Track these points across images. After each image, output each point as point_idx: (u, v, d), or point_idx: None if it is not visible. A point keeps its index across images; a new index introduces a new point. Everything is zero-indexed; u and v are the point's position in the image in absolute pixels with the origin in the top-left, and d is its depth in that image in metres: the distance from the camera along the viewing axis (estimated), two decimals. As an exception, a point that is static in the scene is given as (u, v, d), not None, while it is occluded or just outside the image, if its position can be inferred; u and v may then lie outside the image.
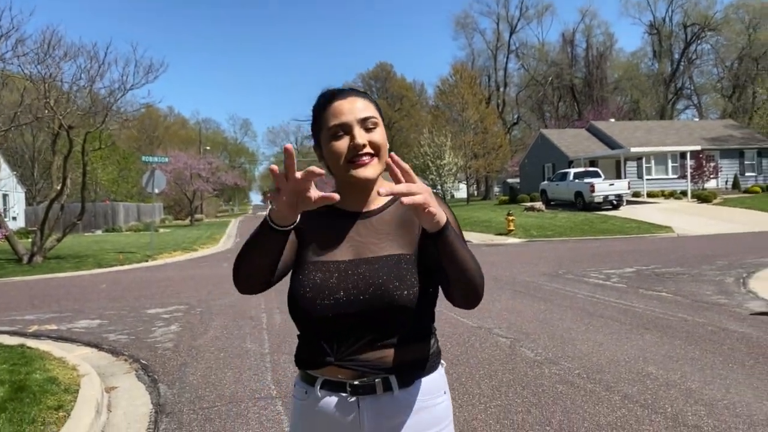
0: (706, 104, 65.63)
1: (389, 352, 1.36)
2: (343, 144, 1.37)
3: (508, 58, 63.50)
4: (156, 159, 21.38)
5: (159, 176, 19.16)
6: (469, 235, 22.14)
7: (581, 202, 27.64)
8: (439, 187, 37.51)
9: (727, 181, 34.56)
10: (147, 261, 17.27)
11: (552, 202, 30.61)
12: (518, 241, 19.86)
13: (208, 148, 65.72)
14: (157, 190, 19.50)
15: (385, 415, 1.36)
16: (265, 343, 6.49)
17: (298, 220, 1.29)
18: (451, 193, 39.82)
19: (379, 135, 1.39)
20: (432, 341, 1.45)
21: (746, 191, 32.78)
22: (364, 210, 1.45)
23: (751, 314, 7.07)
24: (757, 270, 10.69)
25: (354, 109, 1.39)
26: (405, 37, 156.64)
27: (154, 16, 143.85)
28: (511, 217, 21.87)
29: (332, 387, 1.38)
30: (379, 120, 1.42)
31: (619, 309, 7.55)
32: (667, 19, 60.63)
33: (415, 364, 1.39)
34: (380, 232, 1.42)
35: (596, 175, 29.20)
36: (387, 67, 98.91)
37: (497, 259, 14.36)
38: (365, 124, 1.38)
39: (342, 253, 1.40)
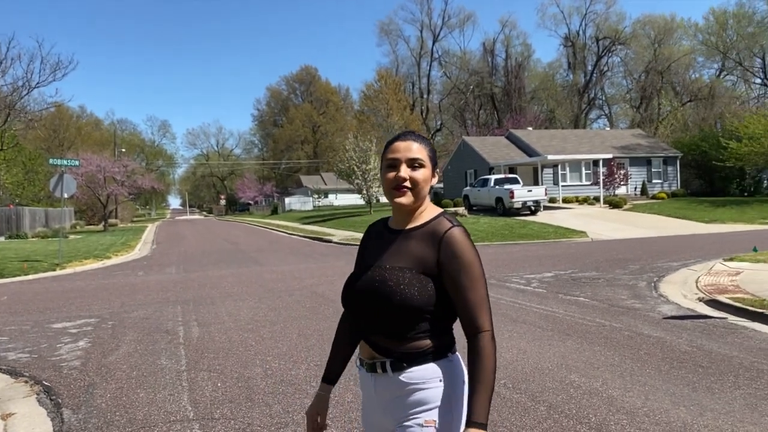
0: (616, 114, 69.21)
1: (390, 342, 1.78)
2: (391, 175, 1.82)
3: (431, 65, 64.67)
4: (65, 162, 20.14)
5: (68, 180, 18.06)
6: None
7: (501, 208, 28.37)
8: (365, 191, 37.52)
9: (636, 188, 36.42)
10: (55, 270, 16.21)
11: (474, 207, 31.24)
12: (442, 247, 20.04)
13: (123, 150, 62.90)
14: (66, 195, 18.36)
15: (387, 389, 1.80)
16: (182, 359, 6.15)
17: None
18: (376, 197, 39.87)
19: (421, 174, 1.82)
20: (428, 342, 1.76)
21: (653, 197, 34.69)
22: (405, 228, 1.86)
23: (663, 318, 7.37)
24: (666, 274, 11.22)
25: (407, 149, 1.83)
26: (330, 42, 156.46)
27: (63, 10, 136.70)
28: (435, 223, 22.05)
29: (361, 363, 1.89)
30: (427, 162, 1.84)
31: (540, 315, 7.69)
32: (581, 33, 63.54)
33: (408, 355, 1.76)
34: (402, 247, 1.83)
35: (515, 181, 30.05)
36: (312, 70, 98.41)
37: (422, 265, 14.39)
38: (412, 163, 1.82)
39: (373, 259, 1.88)
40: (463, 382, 1.79)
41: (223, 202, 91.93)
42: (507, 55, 65.74)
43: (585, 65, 63.76)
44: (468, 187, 33.53)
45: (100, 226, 43.70)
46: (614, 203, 30.47)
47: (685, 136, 44.92)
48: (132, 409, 4.61)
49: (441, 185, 46.04)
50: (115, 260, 19.44)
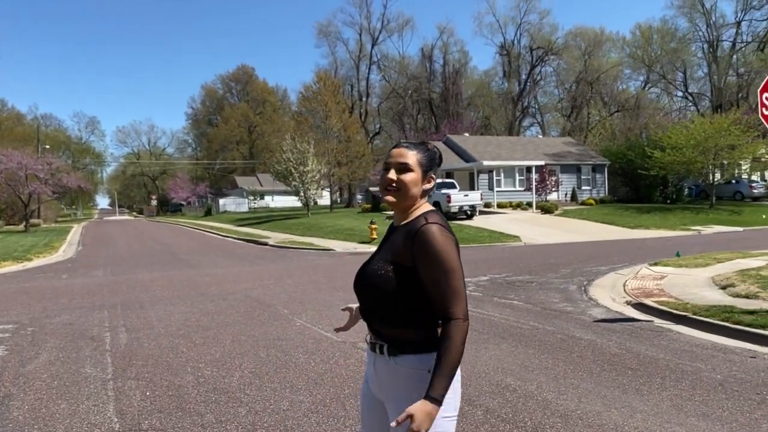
0: (548, 122, 71.34)
1: (380, 326, 2.06)
2: (384, 176, 2.09)
3: (370, 68, 64.62)
4: (-18, 157, 18.99)
5: (-15, 177, 17.04)
6: (332, 243, 22.08)
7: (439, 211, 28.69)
8: (302, 193, 37.14)
9: (566, 194, 37.63)
10: (-32, 273, 15.23)
11: (411, 211, 31.42)
12: (379, 250, 20.07)
13: (47, 146, 59.95)
14: (-18, 193, 17.32)
15: (383, 370, 2.05)
16: (108, 367, 5.86)
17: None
18: (314, 200, 39.55)
19: (407, 177, 2.05)
20: (416, 332, 1.98)
21: (583, 203, 35.92)
22: (400, 225, 2.10)
23: (594, 321, 7.59)
24: (595, 278, 11.60)
25: (398, 155, 2.09)
26: (268, 42, 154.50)
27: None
28: (374, 226, 22.11)
29: (366, 341, 2.16)
30: (415, 167, 2.07)
31: (477, 318, 7.77)
32: (516, 42, 65.09)
33: (399, 342, 2.00)
34: (389, 242, 2.10)
35: (452, 186, 30.49)
36: (249, 70, 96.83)
37: (359, 269, 14.36)
38: (400, 167, 2.07)
39: (375, 252, 2.16)
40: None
41: (154, 202, 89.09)
42: (445, 62, 66.64)
43: (519, 74, 65.37)
44: (406, 191, 33.73)
45: (21, 227, 41.44)
46: (546, 209, 31.36)
47: (612, 144, 46.77)
48: (52, 422, 4.34)
49: (377, 188, 46.21)
50: (37, 262, 18.48)
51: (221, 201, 70.58)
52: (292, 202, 51.43)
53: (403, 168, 2.06)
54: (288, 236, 26.48)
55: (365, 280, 2.06)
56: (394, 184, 2.06)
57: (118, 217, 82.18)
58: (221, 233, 31.62)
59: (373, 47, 64.33)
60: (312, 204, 38.65)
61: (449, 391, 1.90)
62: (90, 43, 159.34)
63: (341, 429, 4.07)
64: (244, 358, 6.06)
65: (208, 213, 63.67)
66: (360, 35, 63.49)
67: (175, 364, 5.90)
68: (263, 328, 7.48)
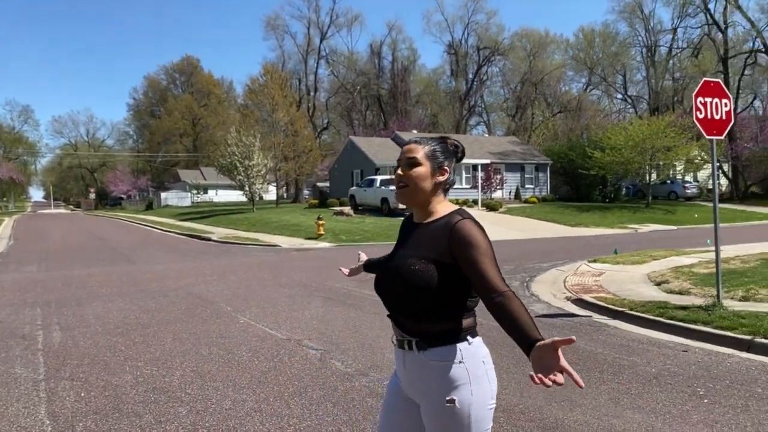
0: (494, 121, 72.50)
1: (409, 322, 2.04)
2: (396, 173, 2.13)
3: (318, 63, 64.17)
4: None
5: None
6: (278, 239, 21.82)
7: (387, 208, 28.80)
8: (247, 188, 36.55)
9: (510, 192, 38.37)
10: None
11: (360, 207, 31.44)
12: (328, 246, 20.00)
13: (-24, 135, 56.95)
14: None
15: (414, 366, 2.05)
16: (40, 367, 5.61)
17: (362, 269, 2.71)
18: (260, 195, 38.98)
19: (415, 172, 2.08)
20: (446, 324, 2.00)
21: (526, 201, 36.72)
22: (423, 221, 2.12)
23: (536, 317, 7.76)
24: (537, 274, 11.87)
25: (406, 151, 2.12)
26: (214, 33, 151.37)
27: None
28: (321, 222, 21.97)
29: (393, 340, 2.14)
30: (423, 160, 2.09)
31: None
32: (463, 41, 65.80)
33: (428, 335, 2.00)
34: (416, 239, 2.09)
35: (400, 182, 30.58)
36: (194, 61, 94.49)
37: (307, 265, 14.26)
38: (408, 162, 2.10)
39: (398, 248, 2.16)
40: (483, 362, 2.03)
41: (92, 195, 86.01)
42: (393, 59, 66.80)
43: (467, 73, 66.15)
44: (354, 187, 33.70)
45: (-53, 219, 39.26)
46: (491, 206, 31.90)
47: (555, 144, 47.92)
48: (-23, 426, 4.11)
49: (327, 184, 45.98)
50: (-36, 257, 17.53)
51: (163, 195, 68.74)
52: (236, 196, 50.48)
53: (412, 163, 2.09)
54: (232, 231, 26.03)
55: (395, 279, 2.04)
56: (402, 181, 2.10)
57: (53, 211, 79.03)
58: (163, 228, 30.79)
59: (321, 42, 63.92)
60: (257, 199, 38.11)
61: (485, 380, 2.00)
62: (24, 25, 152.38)
63: (285, 428, 4.02)
64: (186, 356, 5.91)
65: (149, 207, 61.90)
66: (308, 29, 62.97)
67: (112, 363, 5.70)
68: (205, 326, 7.32)
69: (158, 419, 4.21)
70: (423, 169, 2.07)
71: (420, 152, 2.10)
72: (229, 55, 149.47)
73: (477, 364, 2.00)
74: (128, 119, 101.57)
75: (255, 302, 8.99)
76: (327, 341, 6.37)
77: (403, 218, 2.22)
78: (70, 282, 11.66)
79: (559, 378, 1.69)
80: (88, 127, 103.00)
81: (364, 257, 2.71)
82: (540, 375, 1.70)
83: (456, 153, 2.20)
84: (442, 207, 2.11)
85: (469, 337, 2.02)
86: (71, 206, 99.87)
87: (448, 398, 1.96)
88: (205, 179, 73.06)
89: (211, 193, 71.42)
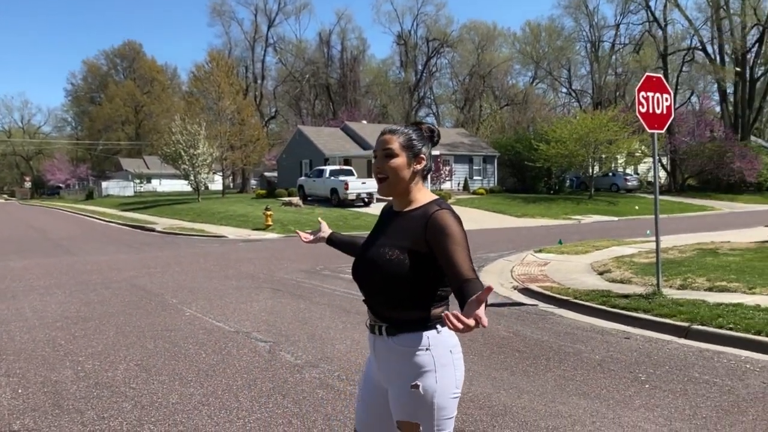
0: (443, 113, 73.13)
1: (383, 308, 2.09)
2: (375, 167, 2.17)
3: (265, 51, 63.25)
4: None
5: None
6: (224, 230, 21.44)
7: (336, 199, 28.69)
8: (192, 177, 35.72)
9: (459, 184, 38.82)
10: None
11: (309, 198, 31.22)
12: (276, 237, 19.77)
13: None
14: None
15: (382, 351, 2.11)
16: (-27, 364, 5.33)
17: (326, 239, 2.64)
18: (205, 184, 38.16)
19: (393, 163, 2.11)
20: (416, 312, 2.03)
21: (474, 193, 37.23)
22: (403, 210, 2.16)
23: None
24: (485, 264, 12.05)
25: (381, 143, 2.15)
26: (156, 18, 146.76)
27: None
28: (269, 212, 21.69)
29: (367, 324, 2.20)
30: (398, 151, 2.11)
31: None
32: (413, 32, 65.99)
33: (399, 322, 2.05)
34: (393, 227, 2.13)
35: (350, 173, 30.52)
36: (136, 46, 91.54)
37: (255, 256, 14.07)
38: (385, 154, 2.12)
39: (375, 236, 2.20)
40: (451, 351, 2.06)
41: (28, 184, 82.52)
42: (343, 48, 66.38)
43: (416, 64, 66.37)
44: (303, 177, 33.41)
45: None
46: (440, 197, 32.18)
47: (502, 137, 48.70)
48: None
49: (275, 174, 45.40)
50: None
51: (104, 184, 66.49)
52: (181, 186, 49.31)
53: (388, 154, 2.12)
54: (177, 222, 25.43)
55: (371, 266, 2.09)
56: (381, 173, 2.13)
57: (-15, 200, 75.38)
58: (104, 218, 29.82)
59: (269, 29, 63.00)
60: (203, 189, 37.30)
61: (451, 369, 2.04)
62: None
63: (234, 421, 3.95)
64: (130, 350, 5.73)
65: (89, 197, 59.74)
66: (255, 16, 61.92)
67: (51, 358, 5.48)
68: (150, 319, 7.12)
69: (101, 415, 4.07)
70: (400, 160, 2.11)
71: (395, 143, 2.12)
72: (173, 40, 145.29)
73: (443, 353, 2.03)
74: (66, 105, 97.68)
75: (201, 294, 8.81)
76: (276, 333, 6.30)
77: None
78: (5, 275, 11.15)
79: (469, 321, 1.60)
80: (23, 112, 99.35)
81: (325, 226, 2.69)
82: (452, 314, 1.63)
83: (432, 138, 2.23)
84: (422, 195, 2.16)
85: (438, 326, 2.04)
86: (5, 195, 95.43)
87: (412, 384, 2.00)
88: (148, 168, 70.99)
89: (155, 182, 69.49)
